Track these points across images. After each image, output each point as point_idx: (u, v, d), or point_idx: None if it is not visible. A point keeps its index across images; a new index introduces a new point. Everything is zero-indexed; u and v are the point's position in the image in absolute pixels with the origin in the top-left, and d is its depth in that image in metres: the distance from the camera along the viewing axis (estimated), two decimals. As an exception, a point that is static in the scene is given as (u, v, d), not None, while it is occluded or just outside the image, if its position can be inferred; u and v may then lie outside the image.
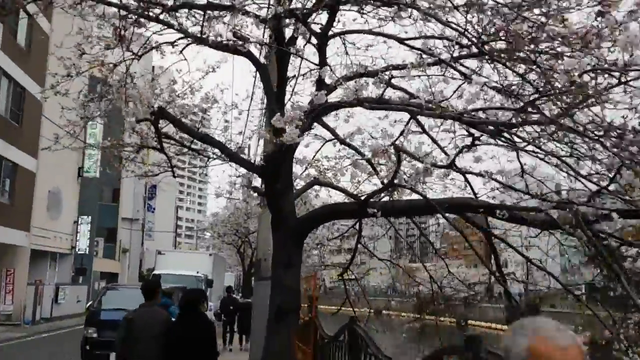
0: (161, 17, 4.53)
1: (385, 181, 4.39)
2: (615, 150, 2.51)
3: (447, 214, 4.04)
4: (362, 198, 4.65)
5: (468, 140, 4.24)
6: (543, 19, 2.58)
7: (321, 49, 3.56)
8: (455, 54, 3.32)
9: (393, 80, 4.06)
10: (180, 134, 6.44)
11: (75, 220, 25.25)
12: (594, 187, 3.53)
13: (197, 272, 17.66)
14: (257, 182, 7.60)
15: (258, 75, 7.59)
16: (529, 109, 2.66)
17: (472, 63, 4.38)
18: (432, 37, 3.35)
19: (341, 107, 3.79)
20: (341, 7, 3.60)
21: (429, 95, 4.01)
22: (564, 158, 3.55)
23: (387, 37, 3.69)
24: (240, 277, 33.78)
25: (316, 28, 3.71)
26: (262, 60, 5.04)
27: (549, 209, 2.86)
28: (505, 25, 2.79)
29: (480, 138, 3.20)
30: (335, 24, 3.68)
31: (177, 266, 18.07)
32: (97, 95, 5.27)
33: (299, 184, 6.33)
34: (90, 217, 26.37)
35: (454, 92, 4.18)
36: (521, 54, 2.69)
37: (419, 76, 3.12)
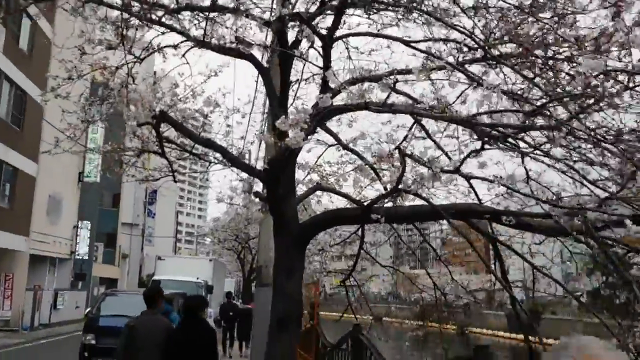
0: (163, 19, 4.50)
1: (389, 187, 4.33)
2: (628, 155, 2.46)
3: (452, 220, 3.98)
4: (366, 204, 4.59)
5: (473, 146, 4.21)
6: (554, 21, 2.54)
7: (326, 52, 3.52)
8: (462, 58, 3.27)
9: (396, 85, 4.02)
10: (181, 138, 6.40)
11: (75, 225, 25.17)
12: (600, 193, 3.48)
13: (197, 278, 17.57)
14: (258, 187, 7.55)
15: (260, 80, 7.57)
16: (542, 112, 2.61)
17: (475, 68, 4.36)
18: (439, 39, 3.31)
19: (347, 111, 3.74)
20: (347, 9, 3.56)
21: (433, 100, 3.97)
22: (571, 164, 3.50)
23: (393, 40, 3.65)
24: (240, 283, 33.64)
25: (321, 31, 3.67)
26: (265, 64, 4.99)
27: (560, 215, 2.79)
28: (512, 28, 2.75)
29: (489, 143, 3.14)
30: (340, 25, 3.64)
31: (177, 272, 17.99)
32: (98, 99, 5.23)
33: (301, 189, 6.27)
34: (90, 222, 26.29)
35: (458, 97, 4.14)
36: (532, 58, 2.64)
37: (429, 79, 3.07)
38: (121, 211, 35.13)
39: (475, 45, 3.02)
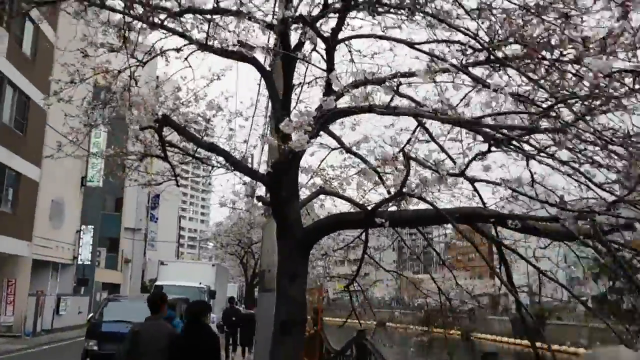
0: (166, 23, 4.49)
1: (393, 190, 4.29)
2: (636, 157, 2.41)
3: (456, 224, 3.93)
4: (369, 208, 4.56)
5: (477, 149, 4.17)
6: (560, 21, 2.50)
7: (329, 54, 3.50)
8: (466, 60, 3.24)
9: (399, 88, 4.00)
10: (184, 142, 6.38)
11: (77, 230, 25.18)
12: (606, 196, 3.43)
13: (200, 283, 17.53)
14: (261, 191, 7.53)
15: (262, 83, 7.55)
16: (548, 114, 2.57)
17: (478, 71, 4.33)
18: (444, 41, 3.29)
19: (351, 114, 3.71)
20: (351, 11, 3.54)
21: (437, 103, 3.94)
22: (577, 167, 3.45)
23: (397, 42, 3.62)
24: (243, 288, 33.55)
25: (324, 33, 3.65)
26: (267, 67, 4.98)
27: (569, 218, 2.75)
28: (517, 29, 2.72)
29: (495, 145, 3.10)
30: (344, 27, 3.62)
31: (180, 277, 17.95)
32: (101, 102, 5.22)
33: (304, 193, 6.24)
34: (92, 226, 26.30)
35: (462, 99, 4.11)
36: (538, 59, 2.60)
37: (434, 81, 3.04)
38: (124, 216, 35.15)
39: (480, 47, 2.99)
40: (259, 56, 4.87)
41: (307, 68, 5.36)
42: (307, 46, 4.11)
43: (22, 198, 18.55)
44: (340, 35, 3.80)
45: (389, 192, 4.58)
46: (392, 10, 3.57)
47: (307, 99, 5.70)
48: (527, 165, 4.17)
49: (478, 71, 4.01)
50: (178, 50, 4.59)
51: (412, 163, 3.83)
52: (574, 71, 2.52)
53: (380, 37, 3.72)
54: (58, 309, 21.36)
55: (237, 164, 5.26)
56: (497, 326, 33.71)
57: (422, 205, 5.09)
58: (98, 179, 25.02)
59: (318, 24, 3.55)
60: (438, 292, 5.55)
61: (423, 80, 2.67)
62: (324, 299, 15.40)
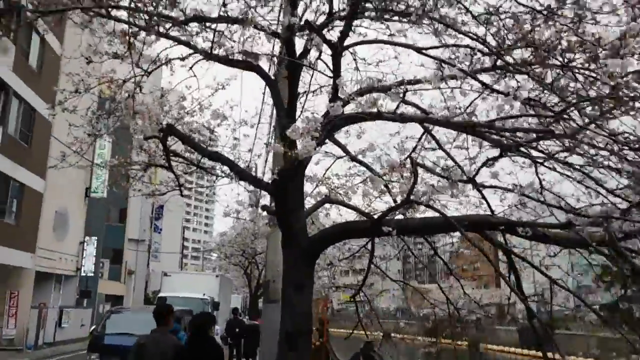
0: (172, 32, 4.49)
1: (399, 199, 4.24)
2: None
3: (465, 232, 3.87)
4: (376, 216, 4.50)
5: (485, 156, 4.11)
6: (573, 22, 2.47)
7: (336, 60, 3.47)
8: (474, 65, 3.20)
9: (405, 96, 3.96)
10: (188, 152, 6.36)
11: (81, 241, 25.14)
12: (616, 202, 3.36)
13: (204, 295, 17.39)
14: (265, 201, 7.47)
15: (267, 92, 7.55)
16: (562, 117, 2.52)
17: (485, 78, 4.30)
18: (452, 45, 3.25)
19: (358, 120, 3.67)
20: (358, 18, 3.52)
21: (443, 110, 3.91)
22: (587, 172, 3.39)
23: (404, 47, 3.59)
24: (247, 299, 33.34)
25: (330, 40, 3.62)
26: (272, 76, 4.96)
27: (584, 224, 2.68)
28: (526, 33, 2.68)
29: (508, 150, 3.05)
30: (350, 33, 3.60)
31: (183, 288, 17.83)
32: (105, 112, 5.22)
33: (309, 202, 6.19)
34: (96, 238, 26.25)
35: (467, 106, 4.07)
36: (549, 63, 2.56)
37: (442, 87, 3.00)
38: (128, 227, 35.12)
39: (488, 51, 2.95)
40: (264, 65, 4.87)
41: (312, 76, 5.35)
42: (312, 54, 4.10)
43: (26, 209, 18.55)
44: (347, 42, 3.78)
45: (395, 201, 4.52)
46: (396, 17, 3.54)
47: (312, 107, 5.67)
48: (536, 171, 4.11)
49: (484, 78, 3.98)
50: (183, 59, 4.59)
51: (419, 171, 3.78)
52: (586, 74, 2.47)
53: (388, 43, 3.69)
54: (60, 322, 21.22)
55: (242, 173, 5.22)
56: (504, 336, 33.29)
57: (429, 214, 5.03)
58: (102, 189, 25.03)
59: (324, 32, 3.54)
60: (446, 301, 5.47)
61: (433, 85, 2.63)
62: (329, 309, 15.24)
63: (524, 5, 2.80)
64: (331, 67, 4.14)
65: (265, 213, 6.70)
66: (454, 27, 2.96)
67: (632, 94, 2.27)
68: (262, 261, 23.52)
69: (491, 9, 2.95)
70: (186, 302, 14.52)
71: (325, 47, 3.63)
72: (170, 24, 4.05)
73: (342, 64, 4.36)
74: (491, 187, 3.73)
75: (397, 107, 3.64)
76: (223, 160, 5.27)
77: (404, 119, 3.18)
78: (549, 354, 4.03)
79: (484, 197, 4.67)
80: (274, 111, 6.69)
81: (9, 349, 17.54)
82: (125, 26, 4.16)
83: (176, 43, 4.66)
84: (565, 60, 2.55)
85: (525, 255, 4.96)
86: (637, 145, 2.51)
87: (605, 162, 2.95)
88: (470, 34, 2.91)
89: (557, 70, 2.70)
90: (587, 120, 2.52)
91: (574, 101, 2.49)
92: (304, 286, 4.55)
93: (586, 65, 2.50)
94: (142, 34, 4.52)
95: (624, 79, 2.19)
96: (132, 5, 3.91)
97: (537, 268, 4.14)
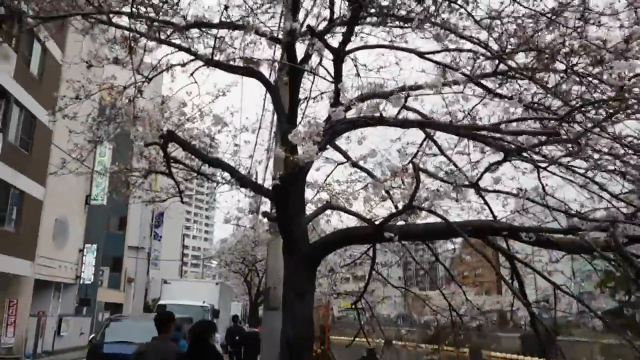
0: (172, 39, 4.50)
1: (401, 205, 4.21)
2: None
3: (468, 238, 3.84)
4: (377, 222, 4.47)
5: (486, 162, 4.09)
6: (573, 27, 2.46)
7: (337, 65, 3.46)
8: (476, 69, 3.19)
9: (406, 102, 3.95)
10: (188, 158, 6.34)
11: (80, 249, 25.05)
12: (620, 206, 3.34)
13: (204, 302, 17.30)
14: (266, 208, 7.44)
15: (268, 98, 7.54)
16: (568, 120, 2.50)
17: (486, 84, 4.29)
18: (455, 49, 3.25)
19: (360, 126, 3.65)
20: (359, 24, 3.52)
21: (444, 116, 3.89)
22: (591, 176, 3.37)
23: (407, 51, 3.59)
24: (247, 307, 33.17)
25: (331, 45, 3.62)
26: (273, 82, 4.96)
27: (590, 228, 2.66)
28: (529, 36, 2.67)
29: (512, 155, 3.03)
30: (352, 38, 3.59)
31: (183, 295, 17.75)
32: (106, 118, 5.21)
33: (310, 208, 6.16)
34: (96, 245, 26.16)
35: (469, 112, 4.06)
36: (552, 67, 2.55)
37: (441, 93, 2.98)
38: (127, 234, 35.03)
39: (491, 55, 2.94)
40: (265, 71, 4.87)
41: (312, 83, 5.36)
42: (313, 60, 4.10)
43: (25, 217, 18.50)
44: (348, 47, 3.77)
45: (396, 207, 4.49)
46: (398, 22, 3.54)
47: (313, 113, 5.68)
48: (539, 177, 4.09)
49: (485, 84, 3.97)
50: (184, 65, 4.59)
51: (421, 177, 3.76)
52: (590, 78, 2.45)
53: (390, 47, 3.69)
54: (59, 330, 21.08)
55: (243, 179, 5.20)
56: (506, 343, 33.06)
57: (431, 220, 5.00)
58: (102, 197, 24.98)
59: (325, 38, 3.53)
60: (449, 308, 5.42)
61: (436, 89, 2.61)
62: (329, 316, 15.12)
63: (528, 8, 2.80)
64: (332, 73, 4.14)
65: (266, 220, 6.66)
66: (456, 32, 2.96)
67: (638, 97, 2.25)
68: (263, 268, 23.42)
69: (493, 13, 2.95)
70: (186, 309, 14.43)
71: (326, 53, 3.62)
72: (172, 30, 4.05)
73: (343, 71, 4.35)
74: (495, 191, 3.71)
75: (399, 112, 3.63)
76: (224, 167, 5.25)
77: (406, 122, 3.16)
78: (553, 361, 3.98)
79: (486, 203, 4.64)
80: (275, 117, 6.68)
81: (8, 357, 17.40)
82: (126, 31, 4.16)
83: (177, 49, 4.66)
84: (570, 63, 2.54)
85: (527, 261, 4.92)
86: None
87: (610, 167, 2.92)
88: (473, 39, 2.91)
89: (560, 75, 2.69)
90: (590, 124, 2.50)
91: (579, 104, 2.47)
92: (305, 293, 4.51)
93: (590, 68, 2.49)
94: (143, 40, 4.52)
95: (631, 80, 2.17)
96: (134, 11, 3.91)
97: (541, 274, 4.11)
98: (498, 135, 3.45)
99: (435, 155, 5.20)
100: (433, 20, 3.13)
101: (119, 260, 34.41)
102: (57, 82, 16.84)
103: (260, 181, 10.39)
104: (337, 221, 8.35)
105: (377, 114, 3.11)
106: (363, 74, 5.35)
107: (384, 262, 8.24)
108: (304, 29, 3.52)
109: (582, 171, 3.11)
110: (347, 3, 3.36)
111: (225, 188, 6.50)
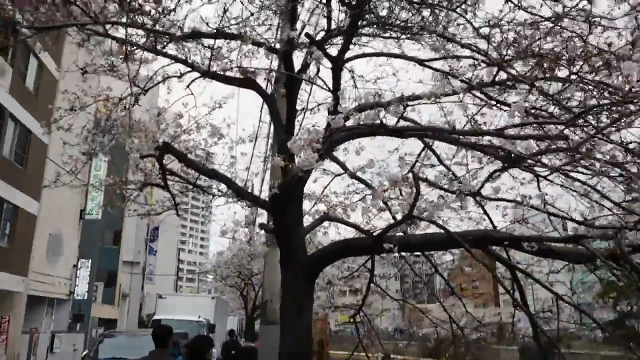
0: (168, 50, 4.47)
1: (399, 216, 4.16)
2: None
3: (468, 248, 3.79)
4: (376, 233, 4.41)
5: (485, 172, 4.07)
6: (578, 30, 2.45)
7: (336, 74, 3.44)
8: (475, 78, 3.18)
9: (404, 112, 3.94)
10: (184, 171, 6.29)
11: (74, 264, 24.74)
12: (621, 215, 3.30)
13: (199, 317, 17.07)
14: (262, 221, 7.35)
15: (264, 109, 7.52)
16: (576, 123, 2.47)
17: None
18: (454, 57, 3.23)
19: (359, 136, 3.61)
20: (358, 30, 3.51)
21: (444, 125, 3.87)
22: (592, 184, 3.35)
23: (406, 59, 3.58)
24: (243, 321, 32.79)
25: (330, 54, 3.60)
26: (269, 91, 4.93)
27: (596, 235, 2.61)
28: (528, 45, 2.66)
29: (513, 161, 2.99)
30: (350, 46, 3.58)
31: (179, 310, 17.52)
32: (101, 130, 5.16)
33: (307, 220, 6.10)
34: (90, 260, 25.85)
35: (468, 121, 4.04)
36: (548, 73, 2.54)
37: (440, 102, 2.96)
38: (122, 249, 34.69)
39: (490, 63, 2.93)
40: (261, 82, 4.85)
41: (309, 94, 5.34)
42: (311, 70, 4.07)
43: (19, 232, 18.29)
44: (347, 56, 3.76)
45: (394, 218, 4.45)
46: (398, 29, 3.53)
47: (310, 125, 5.64)
48: (538, 186, 4.06)
49: (483, 97, 3.96)
50: (180, 76, 4.56)
51: (421, 186, 3.72)
52: (594, 83, 2.43)
53: (389, 55, 3.68)
54: (52, 347, 20.68)
55: (240, 191, 5.15)
56: (504, 355, 32.75)
57: (430, 230, 4.95)
58: (97, 211, 24.77)
59: (323, 46, 3.52)
60: (449, 320, 5.34)
61: (436, 96, 2.59)
62: (327, 330, 14.94)
63: (530, 13, 2.79)
64: (329, 84, 4.12)
65: (262, 232, 6.59)
66: (455, 40, 2.95)
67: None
68: (259, 282, 23.20)
69: (492, 22, 2.94)
70: (181, 324, 14.22)
71: (324, 63, 3.60)
72: (168, 41, 4.03)
73: (340, 82, 4.34)
74: (498, 199, 3.67)
75: (397, 123, 3.60)
76: (220, 178, 5.20)
77: (406, 129, 3.12)
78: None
79: (485, 213, 4.60)
80: (272, 128, 6.65)
81: (-1, 376, 17.02)
82: (123, 41, 4.13)
83: (173, 61, 4.64)
84: (574, 69, 2.52)
85: (532, 271, 4.86)
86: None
87: (612, 174, 2.89)
88: (472, 46, 2.90)
89: (562, 82, 2.67)
90: (593, 131, 2.48)
91: (586, 108, 2.45)
92: (304, 305, 4.43)
93: (592, 75, 2.47)
94: (139, 52, 4.50)
95: (639, 82, 2.15)
96: (130, 21, 3.89)
97: (542, 284, 4.05)
98: (498, 144, 3.43)
99: (432, 165, 5.17)
100: (432, 28, 3.13)
101: (113, 275, 34.03)
102: (52, 97, 16.80)
103: (256, 193, 10.32)
104: (334, 233, 8.30)
105: (378, 121, 3.08)
106: (360, 85, 5.35)
107: (382, 274, 8.16)
108: (302, 38, 3.51)
109: (583, 179, 3.08)
110: (345, 12, 3.36)
111: (221, 201, 6.46)
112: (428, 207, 3.90)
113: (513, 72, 2.86)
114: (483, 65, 3.02)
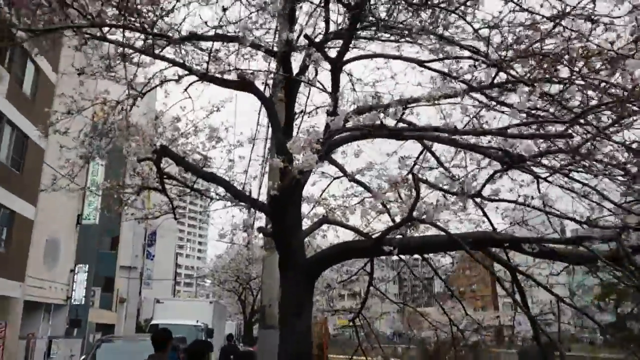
0: (166, 54, 4.46)
1: (398, 218, 4.14)
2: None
3: (469, 250, 3.77)
4: (376, 235, 4.39)
5: (484, 173, 4.05)
6: (579, 29, 2.44)
7: (335, 75, 3.43)
8: (475, 80, 3.17)
9: (402, 115, 3.92)
10: (182, 174, 6.26)
11: (72, 269, 24.61)
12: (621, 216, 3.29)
13: (197, 322, 16.97)
14: (260, 224, 7.31)
15: (262, 113, 7.50)
16: (578, 122, 2.46)
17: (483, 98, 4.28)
18: (454, 57, 3.23)
19: (358, 138, 3.59)
20: (358, 31, 3.50)
21: (443, 127, 3.86)
22: (593, 185, 3.33)
23: (406, 60, 3.56)
24: (241, 326, 32.66)
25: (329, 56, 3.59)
26: (267, 94, 4.92)
27: (599, 235, 2.59)
28: (531, 43, 2.65)
29: (514, 161, 2.97)
30: (349, 48, 3.56)
31: (177, 315, 17.41)
32: (98, 133, 5.13)
33: (306, 223, 6.07)
34: (87, 265, 25.73)
35: (467, 123, 4.03)
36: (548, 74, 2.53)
37: (439, 104, 2.95)
38: (120, 254, 34.55)
39: (490, 63, 2.92)
40: (259, 86, 4.83)
41: (307, 98, 5.33)
42: (310, 72, 4.06)
43: (16, 237, 18.20)
44: (346, 58, 3.74)
45: (393, 221, 4.43)
46: (396, 31, 3.53)
47: (308, 128, 5.63)
48: (538, 188, 4.05)
49: (482, 97, 3.96)
50: (178, 79, 4.54)
51: (420, 188, 3.70)
52: (596, 83, 2.43)
53: (388, 57, 3.66)
54: (49, 352, 20.54)
55: (238, 194, 5.12)
56: (503, 358, 32.69)
57: (430, 233, 4.94)
58: (94, 216, 24.67)
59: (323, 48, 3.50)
60: (449, 323, 5.31)
61: (435, 99, 2.57)
62: (327, 334, 14.86)
63: (531, 12, 2.78)
64: (327, 87, 4.11)
65: (261, 236, 6.55)
66: (454, 42, 2.94)
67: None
68: (257, 287, 23.13)
69: (492, 22, 2.94)
70: (179, 329, 14.10)
71: (323, 65, 3.59)
72: (166, 43, 4.01)
73: (339, 83, 4.32)
74: (500, 200, 3.65)
75: (396, 125, 3.59)
76: (219, 181, 5.17)
77: (408, 129, 3.11)
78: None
79: (485, 215, 4.58)
80: (269, 131, 6.63)
81: (-5, 382, 16.88)
82: (120, 40, 4.10)
83: (171, 64, 4.62)
84: (576, 68, 2.51)
85: (532, 273, 4.84)
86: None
87: (612, 174, 2.88)
88: (471, 47, 2.89)
89: (564, 82, 2.66)
90: (594, 131, 2.47)
91: (590, 106, 2.44)
92: (304, 308, 4.39)
93: (594, 74, 2.45)
94: (136, 56, 4.48)
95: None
96: (127, 23, 3.87)
97: (543, 286, 4.03)
98: (497, 145, 3.42)
99: (431, 168, 5.16)
100: (431, 29, 3.12)
101: (110, 280, 33.87)
102: (50, 102, 16.76)
103: (254, 196, 10.28)
104: (333, 237, 8.26)
105: (379, 121, 3.06)
106: (359, 88, 5.34)
107: (382, 277, 8.12)
108: (300, 40, 3.49)
109: (583, 180, 3.07)
110: (343, 14, 3.35)
111: (219, 205, 6.42)
112: (428, 209, 3.88)
113: (513, 72, 2.85)
114: (483, 65, 3.00)
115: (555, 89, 2.77)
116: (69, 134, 4.94)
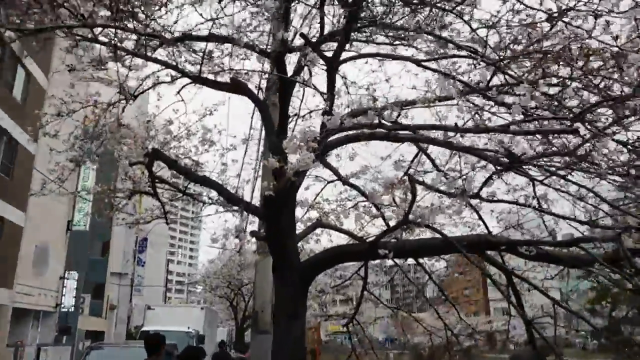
0: (159, 56, 4.40)
1: (392, 222, 4.11)
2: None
3: (465, 253, 3.75)
4: (370, 239, 4.35)
5: (480, 175, 4.04)
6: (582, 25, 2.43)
7: (331, 75, 3.40)
8: (474, 76, 3.16)
9: (397, 119, 3.91)
10: (174, 178, 6.19)
11: (61, 276, 24.26)
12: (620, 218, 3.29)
13: (188, 328, 16.78)
14: (253, 229, 7.24)
15: (255, 116, 7.46)
16: (580, 120, 2.44)
17: (479, 101, 4.28)
18: (453, 56, 3.21)
19: (354, 139, 3.56)
20: (354, 31, 3.47)
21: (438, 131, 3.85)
22: (590, 187, 3.33)
23: (403, 60, 3.54)
24: (233, 332, 32.38)
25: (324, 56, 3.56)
26: (261, 96, 4.88)
27: (601, 235, 2.57)
28: (532, 43, 2.64)
29: (516, 164, 2.95)
30: (347, 46, 3.54)
31: (168, 321, 17.20)
32: (89, 136, 5.05)
33: (300, 227, 6.02)
34: (78, 272, 25.39)
35: (464, 124, 4.02)
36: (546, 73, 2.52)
37: (435, 106, 2.93)
38: (110, 260, 34.15)
39: (488, 63, 2.90)
40: (252, 89, 4.79)
41: (301, 101, 5.30)
42: (305, 72, 4.03)
43: (4, 243, 17.91)
44: (342, 58, 3.72)
45: (387, 225, 4.40)
46: (393, 30, 3.51)
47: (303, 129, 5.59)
48: (534, 190, 4.05)
49: (479, 101, 3.95)
50: (171, 81, 4.49)
51: (417, 191, 3.67)
52: (599, 79, 2.41)
53: (385, 56, 3.64)
54: (38, 360, 20.18)
55: (231, 197, 5.06)
56: (496, 365, 32.69)
57: (425, 236, 4.91)
58: (84, 222, 24.38)
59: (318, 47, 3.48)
60: (444, 328, 5.27)
61: (434, 98, 2.55)
62: (320, 339, 14.75)
63: (531, 8, 2.77)
64: (321, 90, 4.08)
65: (253, 240, 6.49)
66: (452, 41, 2.93)
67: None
68: (249, 292, 22.93)
69: (489, 22, 2.93)
70: (170, 335, 13.91)
71: (318, 66, 3.56)
72: (158, 45, 3.96)
73: (335, 83, 4.30)
74: (499, 201, 3.63)
75: (394, 125, 3.57)
76: (211, 185, 5.11)
77: (406, 128, 3.08)
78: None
79: (480, 218, 4.57)
80: (262, 134, 6.58)
81: (-19, 392, 16.53)
82: (112, 37, 4.04)
83: (164, 67, 4.57)
84: (579, 64, 2.50)
85: (528, 277, 4.83)
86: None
87: (611, 177, 2.87)
88: (469, 47, 2.88)
89: (565, 80, 2.64)
90: (594, 132, 2.46)
91: (594, 102, 2.42)
92: (297, 313, 4.33)
93: (597, 71, 2.44)
94: (128, 58, 4.42)
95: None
96: (119, 24, 3.81)
97: (539, 289, 4.01)
98: (492, 149, 3.41)
99: (425, 172, 5.15)
100: (428, 29, 3.11)
101: (101, 286, 33.45)
102: (40, 107, 16.56)
103: (247, 200, 10.20)
104: (326, 241, 8.19)
105: (377, 120, 3.03)
106: (353, 91, 5.33)
107: (375, 282, 8.08)
108: (295, 41, 3.47)
109: (579, 183, 3.06)
110: (339, 15, 3.33)
111: (212, 210, 6.37)
112: (424, 212, 3.85)
113: (511, 73, 2.84)
114: (481, 65, 2.99)
115: (554, 89, 2.76)
116: (59, 136, 4.85)
